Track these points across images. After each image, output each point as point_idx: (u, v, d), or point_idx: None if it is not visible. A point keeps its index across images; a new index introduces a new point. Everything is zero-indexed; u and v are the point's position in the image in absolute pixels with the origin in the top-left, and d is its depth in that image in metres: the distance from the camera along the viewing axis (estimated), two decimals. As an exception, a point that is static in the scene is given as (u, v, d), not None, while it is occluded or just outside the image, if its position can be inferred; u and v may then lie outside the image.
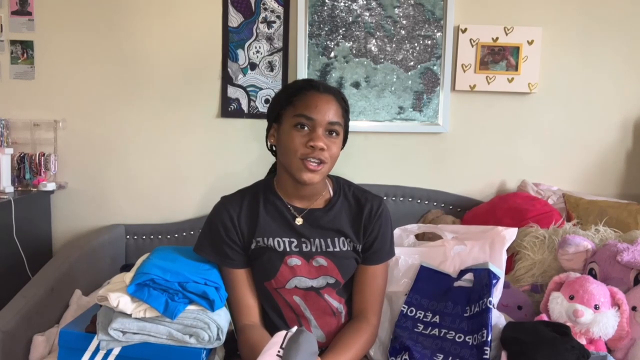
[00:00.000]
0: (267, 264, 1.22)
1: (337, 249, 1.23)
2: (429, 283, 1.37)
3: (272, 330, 1.25)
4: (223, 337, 1.17)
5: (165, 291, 1.16)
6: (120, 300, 1.14)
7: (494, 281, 1.31)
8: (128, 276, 1.19)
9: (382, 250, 1.27)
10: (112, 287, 1.21)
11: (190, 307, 1.17)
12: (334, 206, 1.25)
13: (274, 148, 1.27)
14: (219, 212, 1.25)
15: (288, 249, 1.21)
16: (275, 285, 1.23)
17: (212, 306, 1.17)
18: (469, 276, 1.36)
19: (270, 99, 1.27)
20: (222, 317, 1.19)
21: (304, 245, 1.22)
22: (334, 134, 1.18)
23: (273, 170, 1.35)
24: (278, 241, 1.21)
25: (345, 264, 1.24)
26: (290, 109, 1.18)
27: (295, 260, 1.22)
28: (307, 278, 1.22)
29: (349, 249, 1.24)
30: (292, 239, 1.22)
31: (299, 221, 1.23)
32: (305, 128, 1.16)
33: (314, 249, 1.22)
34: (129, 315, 1.14)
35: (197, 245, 1.27)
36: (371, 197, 1.28)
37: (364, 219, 1.25)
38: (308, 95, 1.17)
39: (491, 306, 1.25)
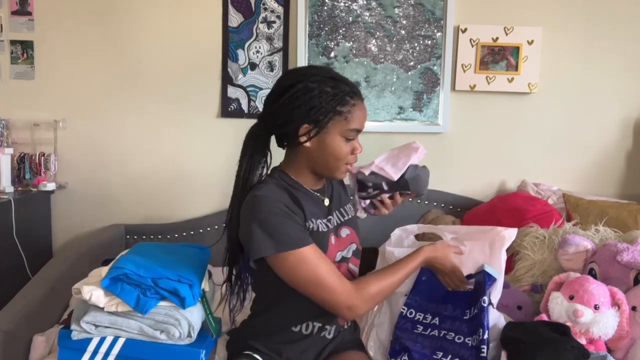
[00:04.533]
0: (318, 246, 1.16)
1: (350, 216, 1.32)
2: (429, 285, 1.36)
3: (292, 312, 1.20)
4: (195, 335, 1.17)
5: (138, 286, 1.16)
6: (93, 293, 1.15)
7: (489, 281, 1.30)
8: (104, 270, 1.20)
9: None
10: (88, 280, 1.22)
11: (162, 303, 1.17)
12: (329, 182, 1.33)
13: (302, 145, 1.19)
14: (272, 204, 1.12)
15: (325, 229, 1.22)
16: None
17: (182, 303, 1.16)
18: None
19: (299, 95, 1.13)
20: (194, 315, 1.19)
21: (333, 222, 1.27)
22: None
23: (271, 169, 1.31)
24: (319, 222, 1.21)
25: (359, 228, 1.33)
26: (341, 120, 1.16)
27: (333, 238, 1.24)
28: (342, 251, 1.25)
29: (353, 211, 1.35)
30: (326, 219, 1.25)
31: (326, 202, 1.28)
32: (354, 139, 1.22)
33: (337, 222, 1.27)
34: (102, 309, 1.15)
35: (264, 246, 1.08)
36: None
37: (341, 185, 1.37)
38: (357, 106, 1.20)
39: (485, 305, 1.24)
